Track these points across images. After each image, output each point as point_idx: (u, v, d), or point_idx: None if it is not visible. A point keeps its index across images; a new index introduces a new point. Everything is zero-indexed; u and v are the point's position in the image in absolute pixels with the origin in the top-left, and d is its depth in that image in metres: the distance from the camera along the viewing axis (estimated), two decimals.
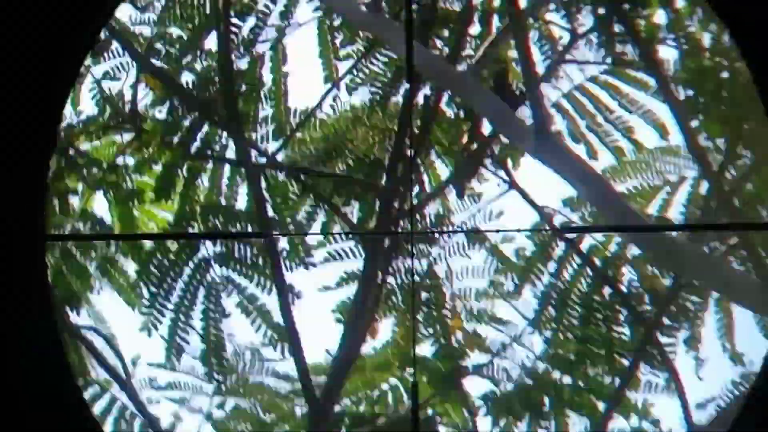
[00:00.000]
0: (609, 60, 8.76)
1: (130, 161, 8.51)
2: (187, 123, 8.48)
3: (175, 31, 8.46)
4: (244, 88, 8.50)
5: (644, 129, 8.89)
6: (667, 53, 8.63)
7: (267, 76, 8.67)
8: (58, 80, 3.51)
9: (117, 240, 8.59)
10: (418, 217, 8.86)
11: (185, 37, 8.45)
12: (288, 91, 8.73)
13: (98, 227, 8.48)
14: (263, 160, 8.71)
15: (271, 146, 8.78)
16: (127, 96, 8.46)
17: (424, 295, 8.74)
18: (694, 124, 8.46)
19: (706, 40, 8.59)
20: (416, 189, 8.90)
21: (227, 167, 8.83)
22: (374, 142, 8.90)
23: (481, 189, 8.96)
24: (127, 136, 8.48)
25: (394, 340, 8.82)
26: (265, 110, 8.72)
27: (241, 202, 8.76)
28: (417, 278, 8.78)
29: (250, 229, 8.55)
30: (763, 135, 8.35)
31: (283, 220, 8.65)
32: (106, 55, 8.34)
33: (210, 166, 8.78)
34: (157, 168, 8.48)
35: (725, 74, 8.45)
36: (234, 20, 8.39)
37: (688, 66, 8.60)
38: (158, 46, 8.43)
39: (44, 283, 3.50)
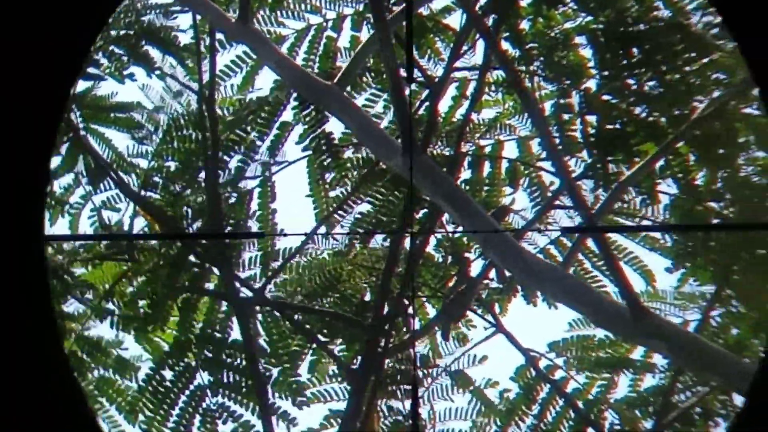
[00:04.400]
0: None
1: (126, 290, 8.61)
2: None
3: (172, 165, 8.70)
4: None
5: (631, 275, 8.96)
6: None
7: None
8: (58, 79, 3.58)
9: (113, 240, 8.63)
10: (399, 356, 8.88)
11: (180, 171, 8.67)
12: (276, 227, 8.90)
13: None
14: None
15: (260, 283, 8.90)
16: (125, 226, 8.63)
17: None
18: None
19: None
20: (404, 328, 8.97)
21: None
22: (362, 281, 9.03)
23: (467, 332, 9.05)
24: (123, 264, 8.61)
25: None
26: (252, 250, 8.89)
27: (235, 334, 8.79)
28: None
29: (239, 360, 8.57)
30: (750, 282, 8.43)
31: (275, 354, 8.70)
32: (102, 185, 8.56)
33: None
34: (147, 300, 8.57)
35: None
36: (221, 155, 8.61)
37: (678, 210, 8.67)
38: (156, 179, 8.65)
39: (44, 283, 3.57)
